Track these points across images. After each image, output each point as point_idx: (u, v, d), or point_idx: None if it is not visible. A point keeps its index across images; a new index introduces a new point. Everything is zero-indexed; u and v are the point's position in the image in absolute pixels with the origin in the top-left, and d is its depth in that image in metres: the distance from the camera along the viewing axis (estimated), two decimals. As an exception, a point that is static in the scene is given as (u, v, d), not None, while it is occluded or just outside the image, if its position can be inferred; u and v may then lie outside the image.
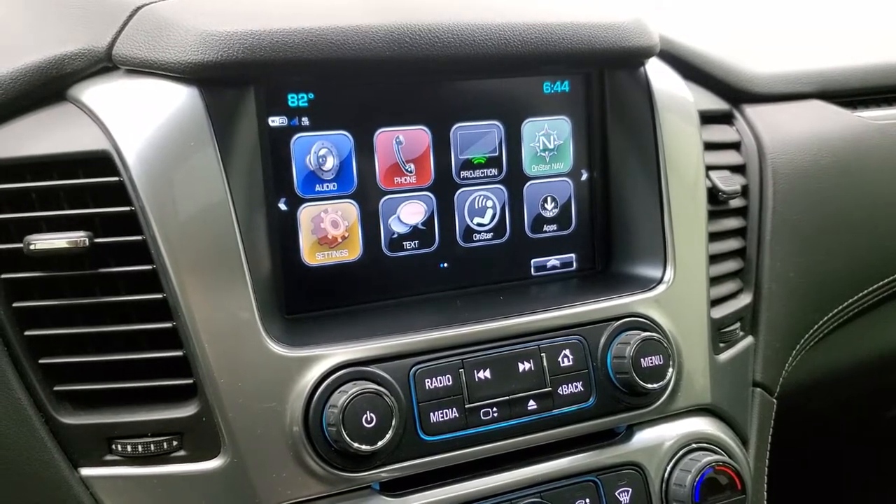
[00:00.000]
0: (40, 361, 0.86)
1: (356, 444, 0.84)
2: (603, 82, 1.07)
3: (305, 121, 0.94)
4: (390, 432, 0.86)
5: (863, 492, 1.91)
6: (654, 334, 0.98)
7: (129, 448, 0.85)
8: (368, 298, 1.00)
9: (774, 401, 1.20)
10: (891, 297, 1.35)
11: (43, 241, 0.83)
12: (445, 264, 1.03)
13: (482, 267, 1.05)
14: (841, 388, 1.53)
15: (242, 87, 0.89)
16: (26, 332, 0.85)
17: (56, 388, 0.86)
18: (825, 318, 1.27)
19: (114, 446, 0.86)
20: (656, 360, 0.98)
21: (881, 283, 1.32)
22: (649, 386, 0.97)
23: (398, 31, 0.91)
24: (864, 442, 1.86)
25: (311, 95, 0.94)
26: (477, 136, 1.03)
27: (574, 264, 1.10)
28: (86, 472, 0.86)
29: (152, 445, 0.85)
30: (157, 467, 0.86)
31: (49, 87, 0.89)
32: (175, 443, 0.86)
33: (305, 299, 0.97)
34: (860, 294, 1.31)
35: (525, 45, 0.97)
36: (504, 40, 0.96)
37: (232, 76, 0.88)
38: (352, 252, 0.99)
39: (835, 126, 1.28)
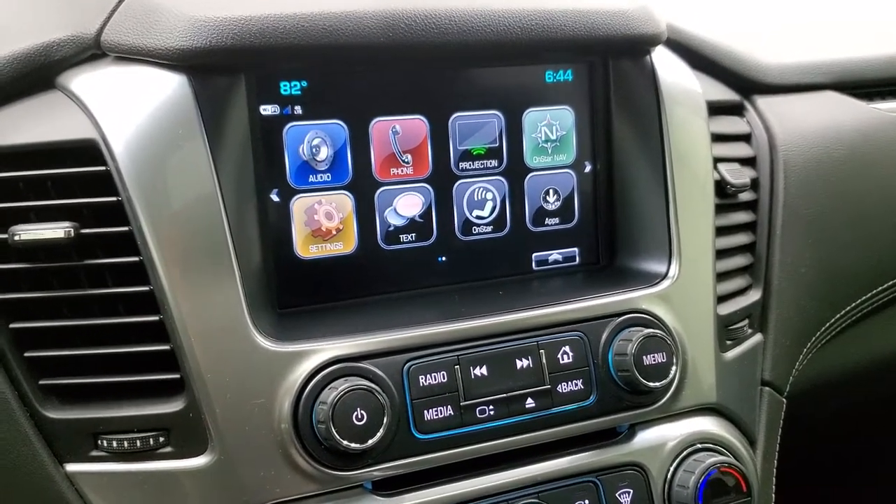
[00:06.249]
0: (25, 355, 0.84)
1: (346, 442, 0.82)
2: (607, 71, 1.04)
3: (298, 109, 0.92)
4: (381, 430, 0.83)
5: (876, 495, 1.87)
6: (657, 331, 0.96)
7: (114, 444, 0.84)
8: (363, 292, 0.98)
9: (784, 400, 1.17)
10: (907, 293, 1.31)
11: (28, 232, 0.82)
12: (443, 258, 1.01)
13: (481, 261, 1.03)
14: (854, 388, 1.50)
15: (233, 75, 0.87)
16: (11, 325, 0.84)
17: (41, 382, 0.85)
18: (838, 316, 1.24)
19: (99, 442, 0.84)
20: (659, 358, 0.95)
21: (897, 280, 1.29)
22: (652, 384, 0.94)
23: (394, 16, 0.89)
24: (879, 444, 1.82)
25: (305, 83, 0.92)
26: (477, 126, 1.00)
27: (577, 259, 1.08)
28: (71, 468, 0.85)
29: (138, 441, 0.84)
30: (143, 464, 0.84)
31: (37, 74, 0.88)
32: (161, 439, 0.84)
33: (298, 293, 0.95)
34: (875, 290, 1.27)
35: (526, 31, 0.94)
36: (504, 27, 0.93)
37: (221, 63, 0.86)
38: (346, 245, 0.96)
39: (849, 118, 1.25)
